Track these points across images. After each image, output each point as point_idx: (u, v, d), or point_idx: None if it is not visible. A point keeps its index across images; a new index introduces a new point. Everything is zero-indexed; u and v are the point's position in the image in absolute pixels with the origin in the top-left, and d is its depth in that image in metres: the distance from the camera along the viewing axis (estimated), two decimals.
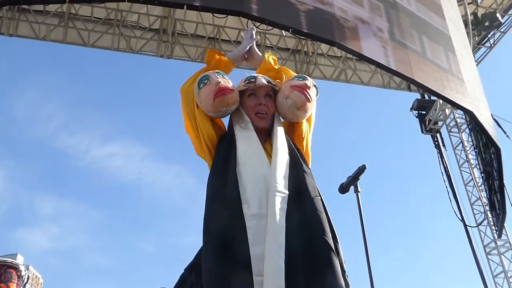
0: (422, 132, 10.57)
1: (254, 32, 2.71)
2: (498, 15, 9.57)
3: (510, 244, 9.80)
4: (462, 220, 9.53)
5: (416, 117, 10.67)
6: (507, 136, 9.32)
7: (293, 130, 2.40)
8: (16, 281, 4.20)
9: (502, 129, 9.24)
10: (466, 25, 8.63)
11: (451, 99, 5.39)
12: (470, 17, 9.41)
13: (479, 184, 9.99)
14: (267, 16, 4.49)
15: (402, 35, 5.39)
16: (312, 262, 1.93)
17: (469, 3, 9.62)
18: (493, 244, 9.85)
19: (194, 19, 9.74)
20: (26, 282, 4.38)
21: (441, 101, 9.77)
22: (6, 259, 4.33)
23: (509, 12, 10.00)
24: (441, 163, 10.07)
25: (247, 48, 2.64)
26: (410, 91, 10.83)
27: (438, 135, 10.49)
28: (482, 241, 9.91)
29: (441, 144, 10.36)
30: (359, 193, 4.23)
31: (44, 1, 7.38)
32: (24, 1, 5.75)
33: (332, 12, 4.89)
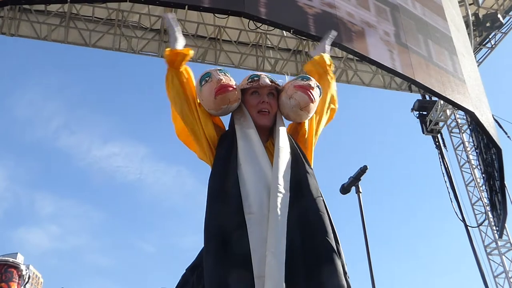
0: (423, 133, 10.57)
1: (171, 17, 2.59)
2: (499, 16, 9.57)
3: (511, 244, 9.79)
4: (463, 220, 9.53)
5: (417, 117, 10.67)
6: (508, 136, 9.32)
7: (296, 131, 2.39)
8: (17, 281, 4.21)
9: (503, 129, 9.24)
10: (467, 26, 8.63)
11: (452, 99, 5.41)
12: (471, 18, 9.41)
13: (480, 185, 9.99)
14: (274, 18, 4.51)
15: (408, 38, 5.41)
16: (313, 263, 1.93)
17: (470, 4, 9.62)
18: (494, 245, 9.85)
19: (195, 20, 9.74)
20: (27, 282, 4.39)
21: (442, 102, 9.77)
22: (7, 258, 4.33)
23: (510, 13, 10.00)
24: (442, 163, 10.07)
25: (178, 33, 2.56)
26: (411, 92, 10.83)
27: (439, 135, 10.48)
28: (483, 242, 9.91)
29: (442, 145, 10.35)
30: (360, 194, 4.23)
31: (45, 1, 7.38)
32: (25, 1, 5.75)
33: (340, 16, 4.93)
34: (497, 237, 9.70)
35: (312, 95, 2.31)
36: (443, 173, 9.93)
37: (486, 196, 9.52)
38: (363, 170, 4.21)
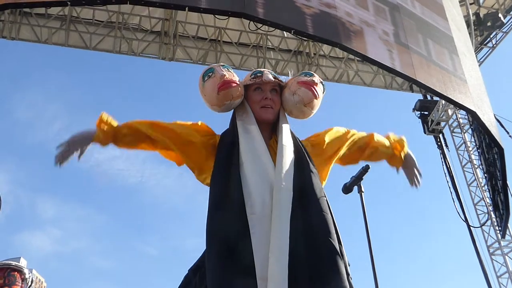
0: (425, 133, 10.54)
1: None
2: (500, 15, 9.55)
3: None
4: (466, 220, 9.50)
5: (419, 117, 10.64)
6: (510, 136, 9.30)
7: (313, 142, 2.35)
8: (20, 284, 4.20)
9: (505, 129, 9.23)
10: (468, 25, 8.62)
11: (454, 99, 5.39)
12: (472, 17, 9.40)
13: (482, 185, 9.96)
14: (273, 18, 4.50)
15: (407, 38, 5.40)
16: (316, 264, 1.90)
17: (471, 3, 9.61)
18: (496, 245, 9.82)
19: (196, 21, 9.74)
20: (30, 285, 4.38)
21: (443, 102, 9.75)
22: (10, 262, 4.33)
23: (511, 12, 9.98)
24: (444, 163, 10.04)
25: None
26: (413, 92, 10.82)
27: (440, 135, 10.45)
28: (486, 242, 9.88)
29: (443, 145, 10.32)
30: (362, 193, 4.22)
31: (45, 4, 7.38)
32: (26, 4, 5.75)
33: (338, 15, 4.91)
34: (500, 237, 9.67)
35: (316, 91, 2.30)
36: (445, 173, 9.91)
37: (489, 196, 9.48)
38: (365, 169, 4.20)
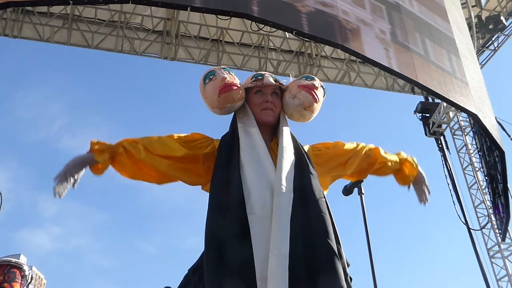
0: (426, 135, 10.54)
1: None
2: (502, 18, 9.54)
3: None
4: (466, 223, 9.49)
5: (420, 120, 10.64)
6: (511, 139, 9.29)
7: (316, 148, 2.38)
8: (19, 281, 4.19)
9: (506, 132, 9.22)
10: (470, 28, 8.61)
11: (455, 101, 5.37)
12: (474, 20, 9.39)
13: (483, 187, 9.95)
14: (268, 17, 4.48)
15: (404, 37, 5.38)
16: (314, 265, 1.91)
17: (473, 6, 9.60)
18: (496, 248, 9.82)
19: (198, 21, 9.75)
20: (30, 282, 4.37)
21: (445, 104, 9.75)
22: (9, 258, 4.32)
23: None
24: (444, 166, 10.04)
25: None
26: (414, 94, 10.81)
27: (442, 138, 10.45)
28: (486, 245, 9.88)
29: (445, 147, 10.33)
30: (363, 195, 4.23)
31: (48, 2, 7.40)
32: (28, 2, 5.75)
33: (335, 14, 4.88)
34: (500, 240, 9.67)
35: (316, 95, 2.31)
36: (445, 176, 9.91)
37: (489, 199, 9.48)
38: None
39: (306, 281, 1.88)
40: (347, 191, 4.28)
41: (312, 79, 2.37)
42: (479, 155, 9.73)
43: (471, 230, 9.52)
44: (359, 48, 4.83)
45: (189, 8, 4.51)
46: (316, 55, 10.35)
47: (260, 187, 2.02)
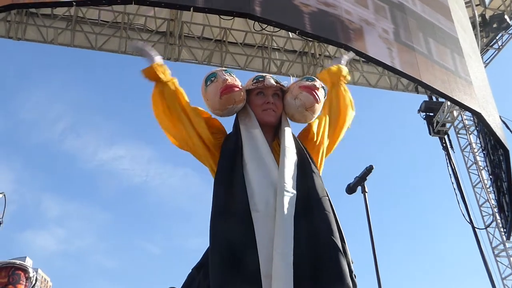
0: (430, 134, 10.53)
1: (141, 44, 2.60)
2: (506, 17, 9.52)
3: None
4: (471, 222, 9.48)
5: (424, 119, 10.62)
6: None
7: (305, 136, 2.38)
8: (24, 283, 4.22)
9: (510, 130, 9.17)
10: (474, 27, 8.59)
11: (459, 100, 5.37)
12: (478, 19, 9.37)
13: (488, 186, 9.94)
14: (270, 17, 4.49)
15: (408, 36, 5.37)
16: (319, 262, 1.92)
17: (477, 5, 9.59)
18: (501, 246, 9.79)
19: (201, 22, 9.76)
20: (34, 284, 4.40)
21: (449, 103, 9.73)
22: (14, 261, 4.35)
23: None
24: (449, 165, 10.02)
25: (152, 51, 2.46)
26: (418, 93, 10.80)
27: (446, 137, 10.43)
28: (491, 243, 9.86)
29: (449, 146, 10.31)
30: (366, 194, 4.22)
31: (51, 4, 7.42)
32: (32, 4, 5.77)
33: (337, 14, 4.89)
34: (504, 239, 9.64)
35: (317, 96, 2.34)
36: (450, 175, 9.89)
37: (494, 197, 9.47)
38: (369, 169, 4.20)
39: (310, 279, 1.90)
40: (350, 189, 4.27)
41: (313, 80, 2.40)
42: (484, 153, 9.72)
43: (476, 229, 9.50)
44: (362, 47, 4.83)
45: (192, 9, 4.51)
46: (319, 55, 10.35)
47: (263, 186, 2.04)
